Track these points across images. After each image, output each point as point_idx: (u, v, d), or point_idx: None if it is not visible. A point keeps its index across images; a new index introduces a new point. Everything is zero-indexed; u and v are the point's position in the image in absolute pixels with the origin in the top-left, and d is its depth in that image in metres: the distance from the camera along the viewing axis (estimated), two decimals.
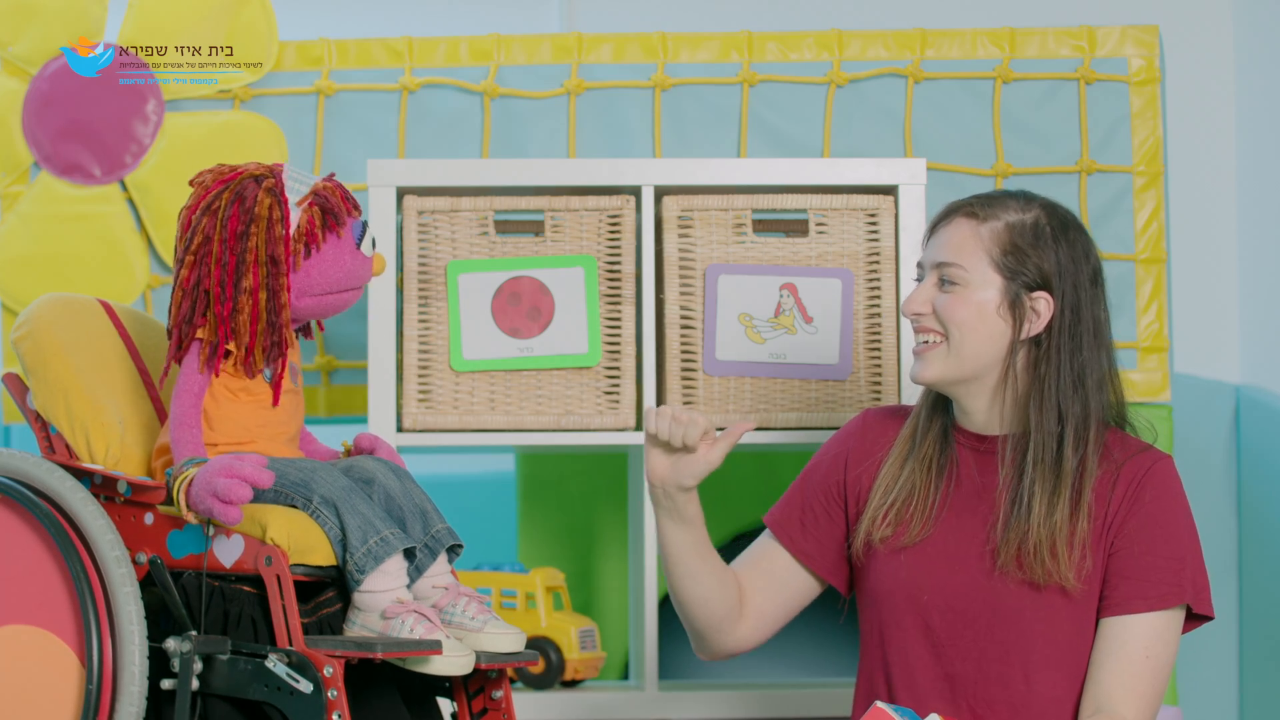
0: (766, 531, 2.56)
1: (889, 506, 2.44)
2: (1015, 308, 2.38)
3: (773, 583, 2.54)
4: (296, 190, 2.34)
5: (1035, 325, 2.39)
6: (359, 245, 2.36)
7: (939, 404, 2.48)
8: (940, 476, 2.44)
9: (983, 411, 2.43)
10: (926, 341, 2.42)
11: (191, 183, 2.37)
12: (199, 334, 2.34)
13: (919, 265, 2.46)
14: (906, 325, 3.03)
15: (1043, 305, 2.38)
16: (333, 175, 2.41)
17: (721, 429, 2.52)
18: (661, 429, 2.43)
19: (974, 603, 2.38)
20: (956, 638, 2.39)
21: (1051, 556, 2.34)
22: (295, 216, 2.33)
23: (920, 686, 2.41)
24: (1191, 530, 2.40)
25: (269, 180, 2.33)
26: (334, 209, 2.34)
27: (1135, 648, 2.35)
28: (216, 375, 2.35)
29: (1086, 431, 2.37)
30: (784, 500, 2.56)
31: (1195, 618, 2.41)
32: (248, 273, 2.32)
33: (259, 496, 2.29)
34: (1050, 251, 2.39)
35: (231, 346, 2.34)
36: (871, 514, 2.45)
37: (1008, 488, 2.38)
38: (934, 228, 2.45)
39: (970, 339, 2.39)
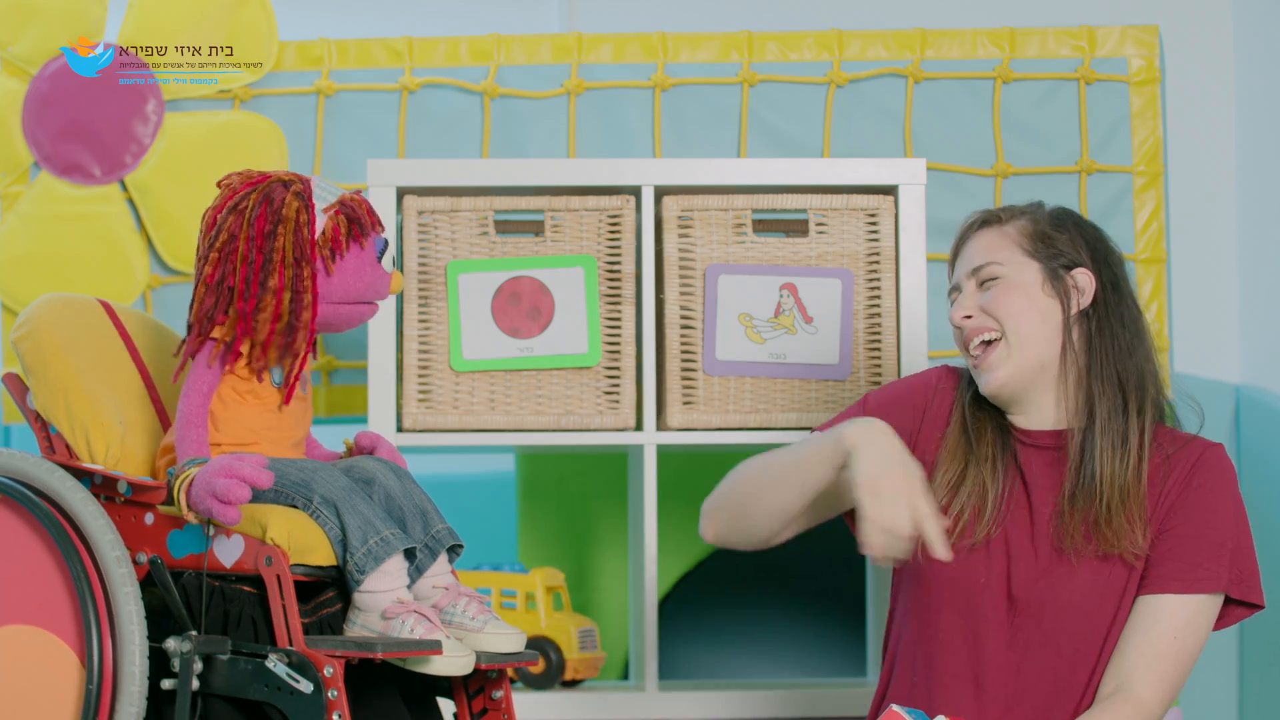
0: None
1: (955, 510, 2.42)
2: (1057, 285, 2.43)
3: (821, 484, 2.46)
4: (323, 199, 2.35)
5: (1082, 299, 2.43)
6: (380, 260, 2.38)
7: (978, 401, 2.48)
8: (1005, 477, 2.44)
9: (1051, 402, 2.45)
10: (985, 341, 2.43)
11: (219, 184, 2.38)
12: (215, 333, 2.34)
13: (953, 289, 2.49)
14: (906, 325, 3.03)
15: (1084, 280, 2.43)
16: (359, 193, 2.42)
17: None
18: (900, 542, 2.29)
19: (1028, 590, 2.39)
20: (1004, 624, 2.39)
21: (1123, 518, 2.36)
22: (320, 223, 2.34)
23: (958, 669, 2.40)
24: (1241, 518, 2.42)
25: (297, 185, 2.35)
26: (360, 219, 2.36)
27: (1165, 629, 2.36)
28: (232, 371, 2.35)
29: (1145, 399, 2.41)
30: (846, 413, 2.53)
31: (1243, 606, 2.41)
32: (274, 272, 2.32)
33: (259, 497, 2.29)
34: (1075, 234, 2.46)
35: (244, 347, 2.34)
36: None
37: (1077, 467, 2.40)
38: (958, 247, 2.50)
39: (1025, 323, 2.42)
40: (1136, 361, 2.42)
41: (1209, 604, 2.38)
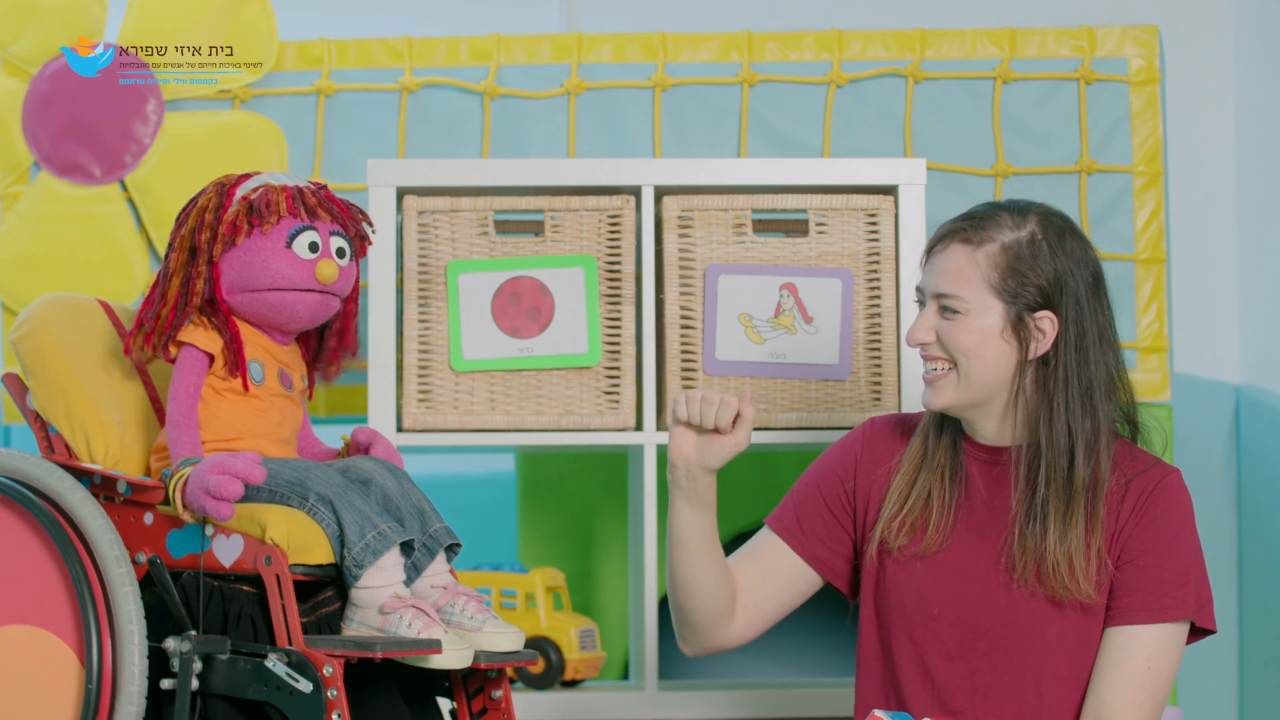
0: (767, 529, 2.56)
1: (904, 515, 2.44)
2: (1019, 329, 2.38)
3: (773, 580, 2.53)
4: (248, 189, 2.39)
5: (1041, 344, 2.38)
6: (289, 245, 2.37)
7: (946, 416, 2.48)
8: (953, 487, 2.44)
9: (993, 428, 2.43)
10: (936, 369, 2.41)
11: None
12: (188, 337, 2.36)
13: (918, 290, 2.45)
14: (906, 325, 3.03)
15: (1047, 324, 2.37)
16: (321, 184, 2.43)
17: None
18: (693, 414, 2.43)
19: (986, 615, 2.38)
20: (967, 650, 2.39)
21: (1070, 575, 2.35)
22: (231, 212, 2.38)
23: (928, 698, 2.40)
24: (1196, 544, 2.40)
25: (233, 179, 2.39)
26: (261, 205, 2.36)
27: (1138, 659, 2.35)
28: (210, 370, 2.37)
29: (1097, 444, 2.37)
30: (787, 502, 2.56)
31: (1197, 631, 2.41)
32: (171, 260, 2.39)
33: (255, 496, 2.29)
34: (1049, 267, 2.37)
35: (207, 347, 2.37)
36: (885, 522, 2.45)
37: (1022, 504, 2.38)
38: (929, 252, 2.44)
39: (977, 364, 2.38)
40: (1092, 407, 2.37)
41: (1177, 631, 2.37)
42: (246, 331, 2.41)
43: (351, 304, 2.51)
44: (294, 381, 2.46)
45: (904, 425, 2.54)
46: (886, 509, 2.46)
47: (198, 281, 2.37)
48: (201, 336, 2.37)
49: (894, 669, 2.43)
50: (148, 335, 2.39)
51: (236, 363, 2.38)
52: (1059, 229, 2.40)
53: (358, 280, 2.49)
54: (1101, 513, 2.37)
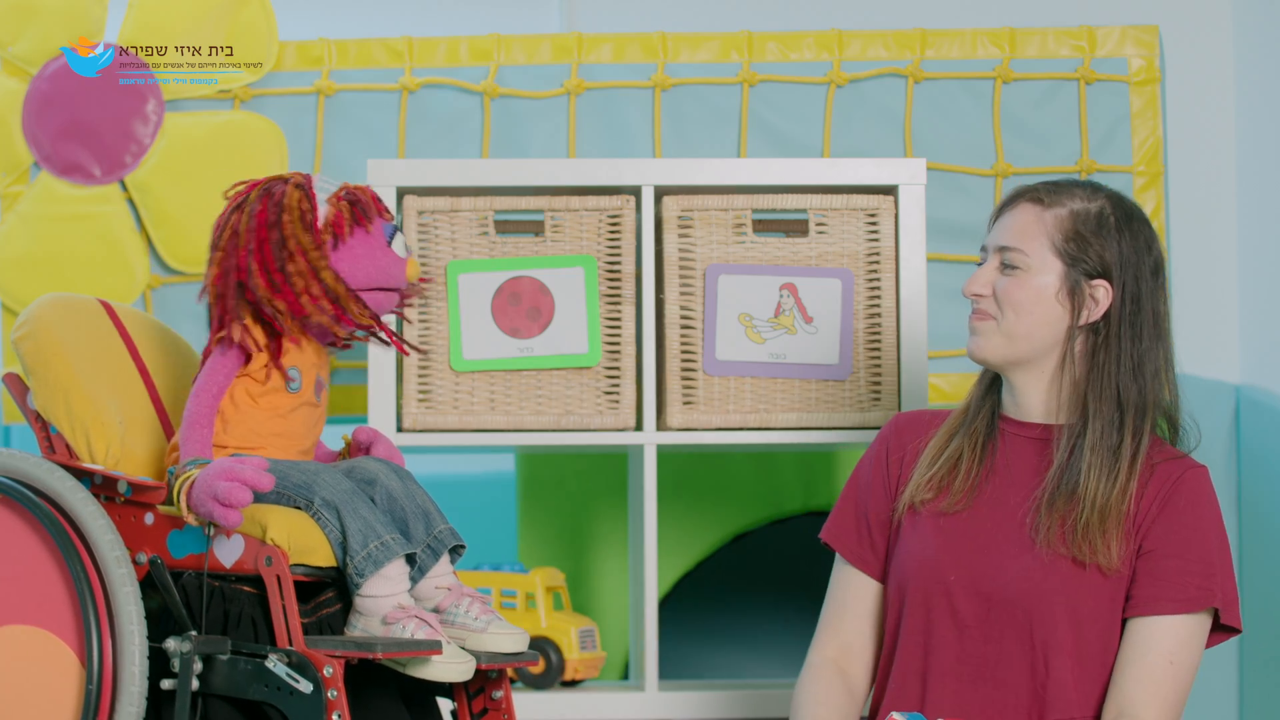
0: (836, 559, 2.56)
1: (934, 473, 2.46)
2: (1074, 294, 2.41)
3: (865, 617, 2.54)
4: (325, 189, 2.36)
5: (1094, 312, 2.42)
6: (390, 244, 2.37)
7: (993, 386, 2.51)
8: (984, 454, 2.46)
9: (1040, 397, 2.45)
10: (978, 310, 2.45)
11: (225, 194, 2.39)
12: (232, 334, 2.34)
13: (982, 249, 2.49)
14: (906, 325, 3.03)
15: (1101, 293, 2.41)
16: (366, 187, 2.42)
17: None
18: None
19: (999, 585, 2.39)
20: (979, 620, 2.40)
21: (1101, 535, 2.36)
22: (323, 211, 2.34)
23: (939, 666, 2.41)
24: (1223, 541, 2.41)
25: (298, 178, 2.36)
26: (362, 203, 2.36)
27: (1160, 652, 2.35)
28: (247, 373, 2.35)
29: (1143, 421, 2.40)
30: (836, 514, 2.57)
31: (1222, 629, 2.41)
32: (290, 257, 2.32)
33: (261, 498, 2.29)
34: (1113, 241, 2.42)
35: (254, 344, 2.33)
36: (917, 480, 2.48)
37: (1061, 470, 2.40)
38: (999, 212, 2.48)
39: (1024, 321, 2.42)
40: (1142, 381, 2.41)
41: (1200, 624, 2.38)
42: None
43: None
44: (323, 388, 2.45)
45: (932, 416, 2.57)
46: (919, 470, 2.48)
47: (327, 271, 2.32)
48: (248, 334, 2.35)
49: (908, 639, 2.44)
50: (298, 328, 2.35)
51: (274, 366, 2.36)
52: (1128, 211, 2.45)
53: None
54: (1133, 489, 2.38)
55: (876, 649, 2.54)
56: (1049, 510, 2.39)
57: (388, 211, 2.40)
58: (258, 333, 2.35)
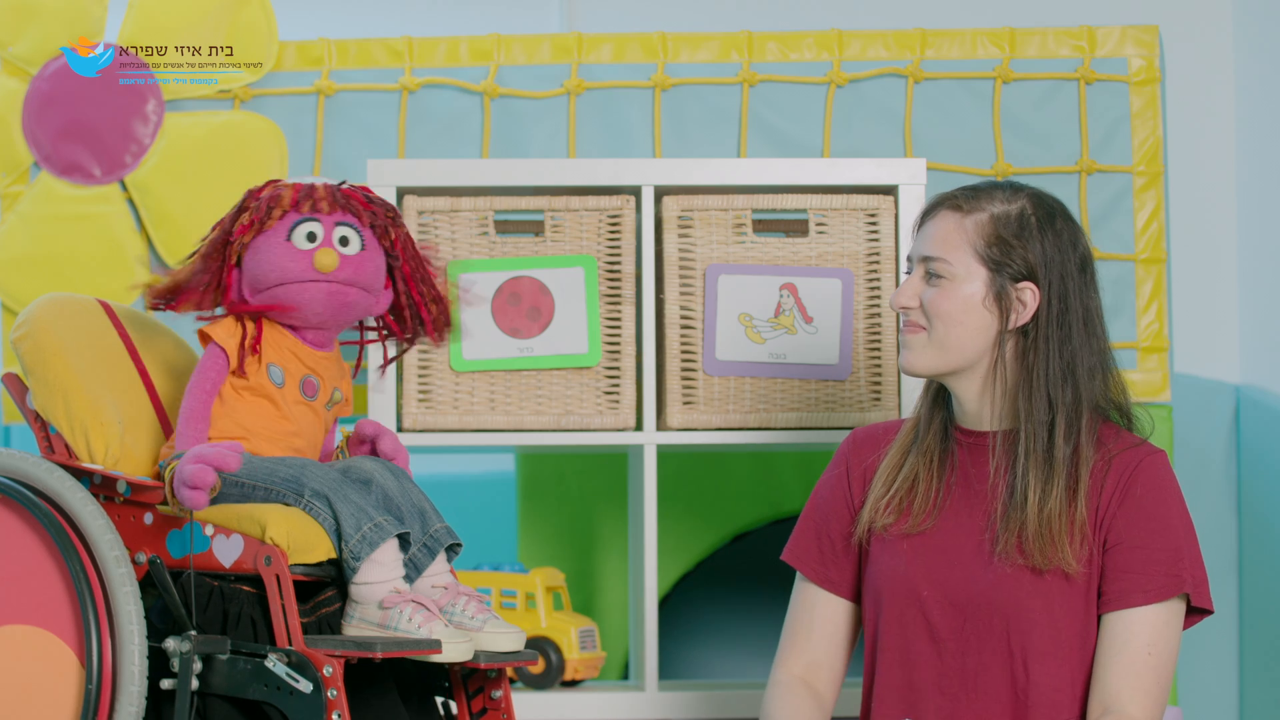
0: (798, 577, 2.56)
1: (891, 495, 2.45)
2: (1001, 299, 2.39)
3: (831, 635, 2.54)
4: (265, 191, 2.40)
5: (1021, 316, 2.39)
6: (288, 239, 2.36)
7: (939, 398, 2.49)
8: (942, 469, 2.45)
9: (974, 402, 2.44)
10: (909, 322, 2.43)
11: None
12: (215, 335, 2.36)
13: (908, 259, 2.47)
14: None
15: (1029, 295, 2.39)
16: (344, 183, 2.41)
17: None
18: None
19: (973, 595, 2.39)
20: (956, 632, 2.40)
21: (1051, 543, 2.35)
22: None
23: (921, 681, 2.41)
24: (1187, 523, 2.40)
25: (262, 186, 2.39)
26: (265, 204, 2.36)
27: (1138, 645, 2.35)
28: (232, 370, 2.37)
29: (1078, 420, 2.38)
30: (797, 534, 2.57)
31: (1195, 612, 2.41)
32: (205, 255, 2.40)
33: (250, 495, 2.29)
34: (1036, 242, 2.39)
35: (226, 343, 2.36)
36: (873, 503, 2.46)
37: (1001, 479, 2.39)
38: (921, 220, 2.46)
39: (955, 331, 2.40)
40: (1075, 381, 2.38)
41: (1174, 611, 2.37)
42: (276, 335, 2.39)
43: (411, 291, 2.47)
44: (321, 392, 2.44)
45: (886, 429, 2.55)
46: (874, 491, 2.47)
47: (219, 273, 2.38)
48: (222, 332, 2.37)
49: (887, 654, 2.44)
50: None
51: (246, 362, 2.37)
52: (1050, 209, 2.42)
53: (410, 265, 2.45)
54: (1085, 486, 2.37)
55: (843, 665, 2.54)
56: (1004, 524, 2.38)
57: (311, 205, 2.38)
58: (225, 328, 2.37)
